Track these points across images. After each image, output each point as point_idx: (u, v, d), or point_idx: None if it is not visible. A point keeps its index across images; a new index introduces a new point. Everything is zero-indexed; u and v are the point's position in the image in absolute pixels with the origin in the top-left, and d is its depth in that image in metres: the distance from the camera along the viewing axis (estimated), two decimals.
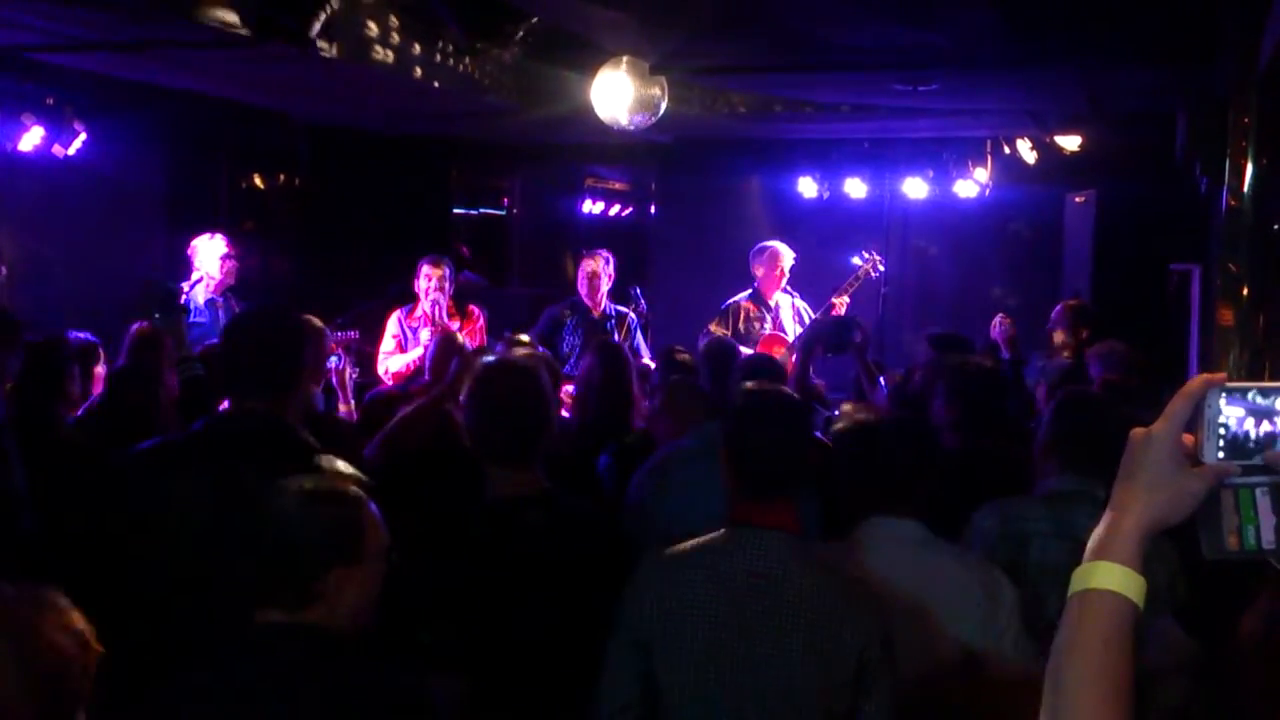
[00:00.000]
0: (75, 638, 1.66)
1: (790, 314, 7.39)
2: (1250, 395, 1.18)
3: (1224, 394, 1.17)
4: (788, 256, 7.38)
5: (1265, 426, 1.17)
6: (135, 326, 4.89)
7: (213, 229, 6.63)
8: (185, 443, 2.96)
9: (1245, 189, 4.06)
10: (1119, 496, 1.19)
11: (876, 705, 2.43)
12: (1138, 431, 1.20)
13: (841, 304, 7.18)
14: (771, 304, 7.38)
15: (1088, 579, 1.17)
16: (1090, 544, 1.19)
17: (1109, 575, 1.17)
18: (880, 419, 3.02)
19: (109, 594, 2.63)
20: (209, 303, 6.35)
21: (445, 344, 5.30)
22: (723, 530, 2.56)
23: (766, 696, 2.44)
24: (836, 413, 5.02)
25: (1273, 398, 1.18)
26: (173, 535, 2.71)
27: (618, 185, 11.15)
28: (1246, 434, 1.17)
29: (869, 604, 2.51)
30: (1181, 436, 1.18)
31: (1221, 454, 1.17)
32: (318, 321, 3.41)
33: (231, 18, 4.56)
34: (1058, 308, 6.51)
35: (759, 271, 7.39)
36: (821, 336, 6.10)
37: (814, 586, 2.47)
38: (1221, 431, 1.17)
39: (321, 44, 4.68)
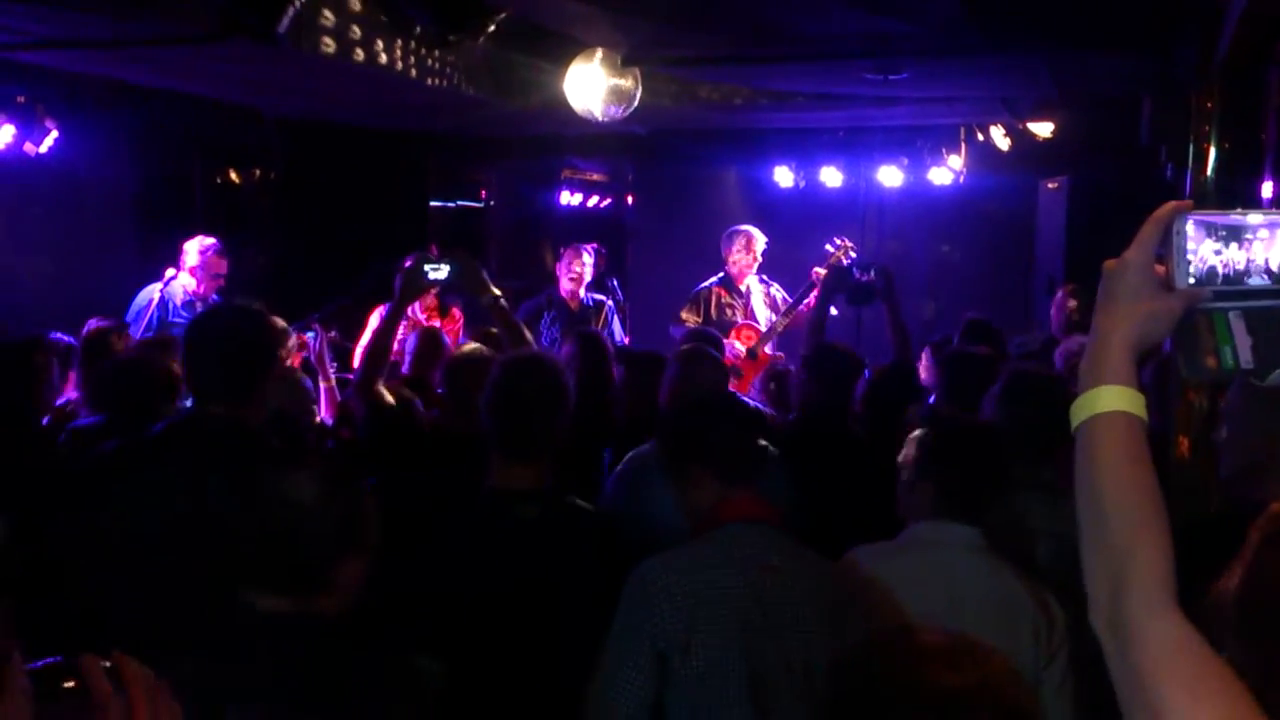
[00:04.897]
0: None
1: (762, 299, 7.36)
2: (1217, 222, 1.21)
3: (1192, 221, 1.21)
4: (760, 240, 7.36)
5: (1233, 252, 1.20)
6: (89, 325, 4.84)
7: (187, 226, 6.63)
8: (146, 445, 2.88)
9: (1208, 173, 4.10)
10: (1100, 322, 1.22)
11: None
12: (1110, 261, 1.23)
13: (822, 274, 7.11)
14: (743, 289, 7.35)
15: (1094, 404, 1.20)
16: (1083, 371, 1.22)
17: (1114, 397, 1.19)
18: (952, 421, 2.93)
19: (73, 595, 2.65)
20: (187, 303, 6.32)
21: (427, 340, 5.32)
22: (717, 529, 2.60)
23: (788, 685, 2.49)
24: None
25: (1239, 223, 1.21)
26: (138, 535, 2.68)
27: (595, 176, 11.14)
28: (1216, 259, 1.20)
29: (845, 585, 2.65)
30: (1153, 261, 1.21)
31: (1192, 280, 1.20)
32: (281, 322, 3.38)
33: (199, 14, 4.56)
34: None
35: (731, 255, 7.36)
36: (842, 285, 5.36)
37: (816, 574, 2.59)
38: (1191, 258, 1.20)
39: (289, 39, 4.67)
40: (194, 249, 6.39)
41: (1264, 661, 1.20)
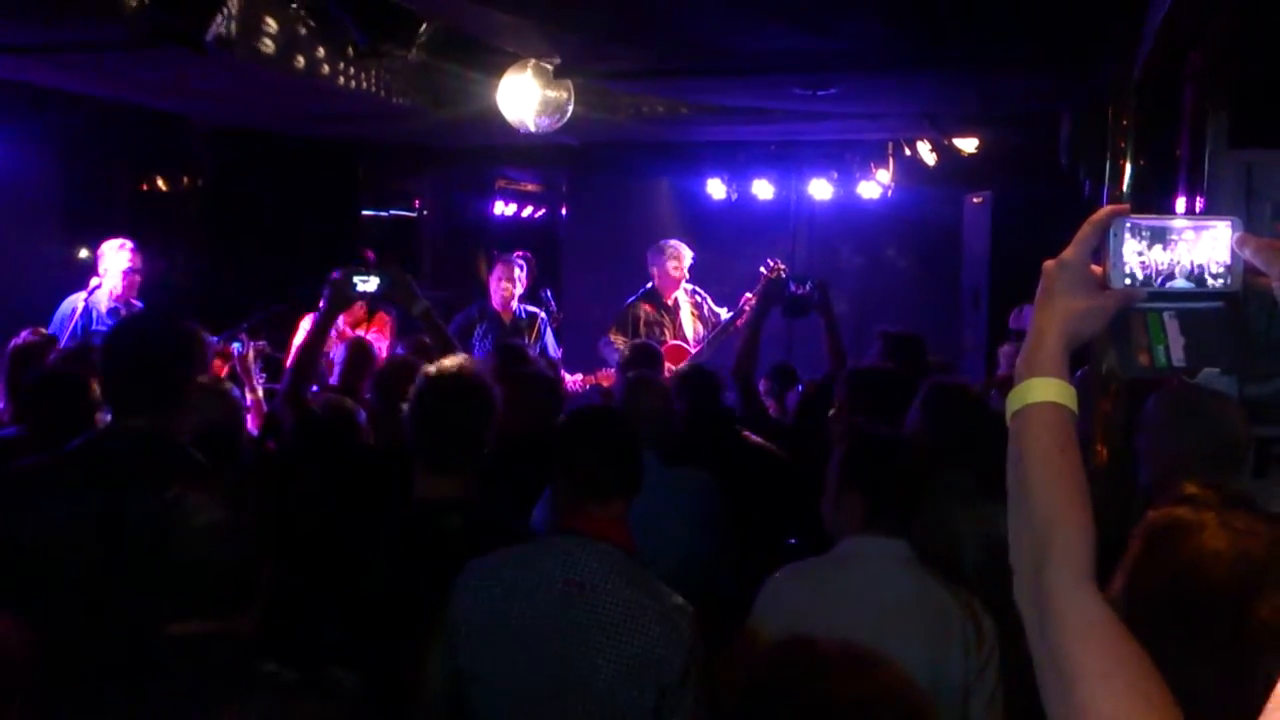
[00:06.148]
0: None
1: (690, 311, 7.39)
2: (1153, 225, 1.26)
3: (1128, 224, 1.26)
4: (686, 256, 7.39)
5: (1167, 254, 1.25)
6: (20, 337, 4.75)
7: (111, 234, 6.50)
8: (63, 460, 2.78)
9: (1124, 189, 4.21)
10: (1038, 319, 1.27)
11: None
12: (1049, 261, 1.28)
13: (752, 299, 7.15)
14: (670, 303, 7.38)
15: (1026, 395, 1.24)
16: (1018, 365, 1.27)
17: (1046, 389, 1.24)
18: (874, 435, 2.92)
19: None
20: (111, 311, 6.22)
21: (356, 351, 5.30)
22: (549, 537, 2.62)
23: (569, 705, 2.46)
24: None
25: (1163, 225, 1.26)
26: (58, 556, 2.62)
27: (529, 187, 11.15)
28: (1150, 261, 1.25)
29: (681, 632, 2.47)
30: (1089, 261, 1.26)
31: (1128, 280, 1.25)
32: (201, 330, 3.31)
33: (126, 21, 4.49)
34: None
35: (656, 270, 7.38)
36: (778, 297, 5.40)
37: (628, 603, 2.47)
38: (1127, 258, 1.25)
39: (218, 46, 4.62)
40: (110, 250, 6.29)
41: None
